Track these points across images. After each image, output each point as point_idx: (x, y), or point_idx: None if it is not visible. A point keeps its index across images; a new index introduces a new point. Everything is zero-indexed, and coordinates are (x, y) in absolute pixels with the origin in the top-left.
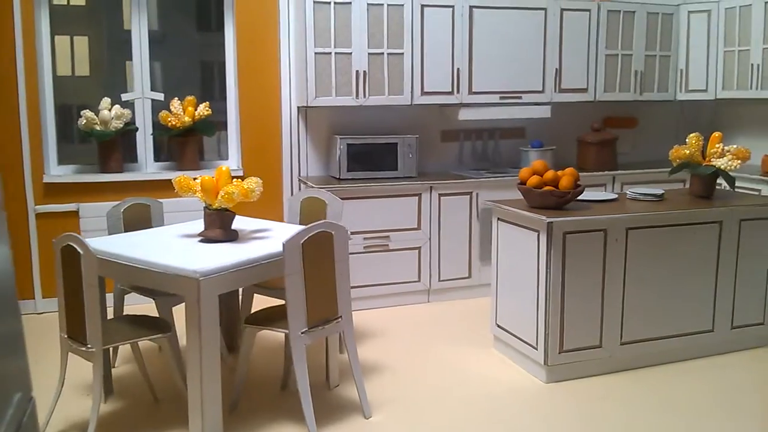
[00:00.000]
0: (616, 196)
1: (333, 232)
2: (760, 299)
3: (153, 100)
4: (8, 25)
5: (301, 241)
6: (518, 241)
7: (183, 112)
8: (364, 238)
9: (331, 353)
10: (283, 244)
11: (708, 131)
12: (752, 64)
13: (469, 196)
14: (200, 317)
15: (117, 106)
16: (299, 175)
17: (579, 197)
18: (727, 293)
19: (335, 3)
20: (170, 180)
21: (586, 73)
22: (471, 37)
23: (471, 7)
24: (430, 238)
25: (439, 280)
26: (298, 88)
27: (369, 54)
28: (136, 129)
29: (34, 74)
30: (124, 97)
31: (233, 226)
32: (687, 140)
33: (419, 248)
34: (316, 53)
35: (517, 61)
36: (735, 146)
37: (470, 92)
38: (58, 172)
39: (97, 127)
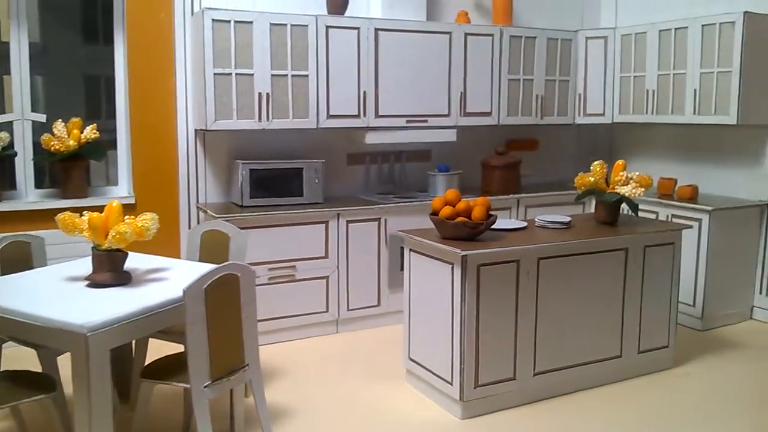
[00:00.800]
0: (526, 224)
1: (239, 274)
2: (664, 323)
3: (33, 121)
4: None
5: (204, 286)
6: (431, 273)
7: (68, 135)
8: (269, 269)
9: (236, 399)
10: (184, 291)
11: (605, 153)
12: (647, 90)
13: (377, 222)
14: (89, 376)
15: None
16: (197, 202)
17: (493, 227)
18: (634, 319)
19: (235, 21)
20: (54, 209)
21: (490, 97)
22: (377, 60)
23: (376, 29)
24: (338, 267)
25: (348, 310)
26: (196, 110)
27: (272, 75)
28: (15, 154)
29: None
30: (1, 118)
31: (126, 266)
32: (591, 168)
33: (327, 277)
34: (215, 74)
35: (423, 85)
36: (637, 173)
37: (377, 116)
38: None
39: None
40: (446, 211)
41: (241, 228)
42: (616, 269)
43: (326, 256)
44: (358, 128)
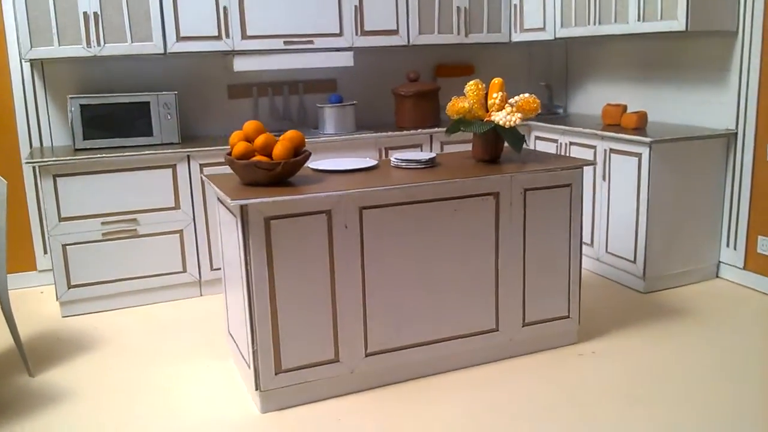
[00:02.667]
0: (375, 163)
1: None
2: (561, 287)
3: None
4: None
5: None
6: (229, 228)
7: None
8: (102, 223)
9: None
10: None
11: (559, 77)
12: None
13: None
14: None
15: None
16: (41, 146)
17: (323, 168)
18: (514, 283)
19: None
20: None
21: (396, 11)
22: None
23: None
24: (194, 219)
25: (213, 269)
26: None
27: None
28: None
29: None
30: None
31: None
32: (465, 89)
33: (180, 231)
34: None
35: None
36: (527, 95)
37: (244, 37)
38: None
39: None
40: (239, 148)
41: (67, 174)
42: (483, 220)
43: (177, 207)
44: (220, 53)
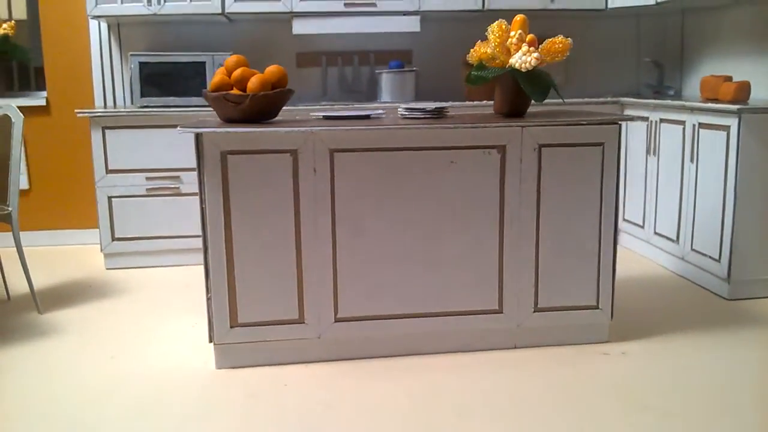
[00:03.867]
0: (382, 112)
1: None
2: (587, 272)
3: None
4: None
5: None
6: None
7: None
8: (147, 178)
9: None
10: None
11: (673, 54)
12: None
13: None
14: None
15: None
16: (114, 104)
17: (323, 114)
18: (523, 258)
19: None
20: None
21: None
22: None
23: None
24: None
25: None
26: None
27: None
28: None
29: None
30: None
31: None
32: (487, 31)
33: None
34: None
35: None
36: (561, 37)
37: None
38: None
39: None
40: (214, 81)
41: (115, 127)
42: (483, 178)
43: None
44: (279, 14)
